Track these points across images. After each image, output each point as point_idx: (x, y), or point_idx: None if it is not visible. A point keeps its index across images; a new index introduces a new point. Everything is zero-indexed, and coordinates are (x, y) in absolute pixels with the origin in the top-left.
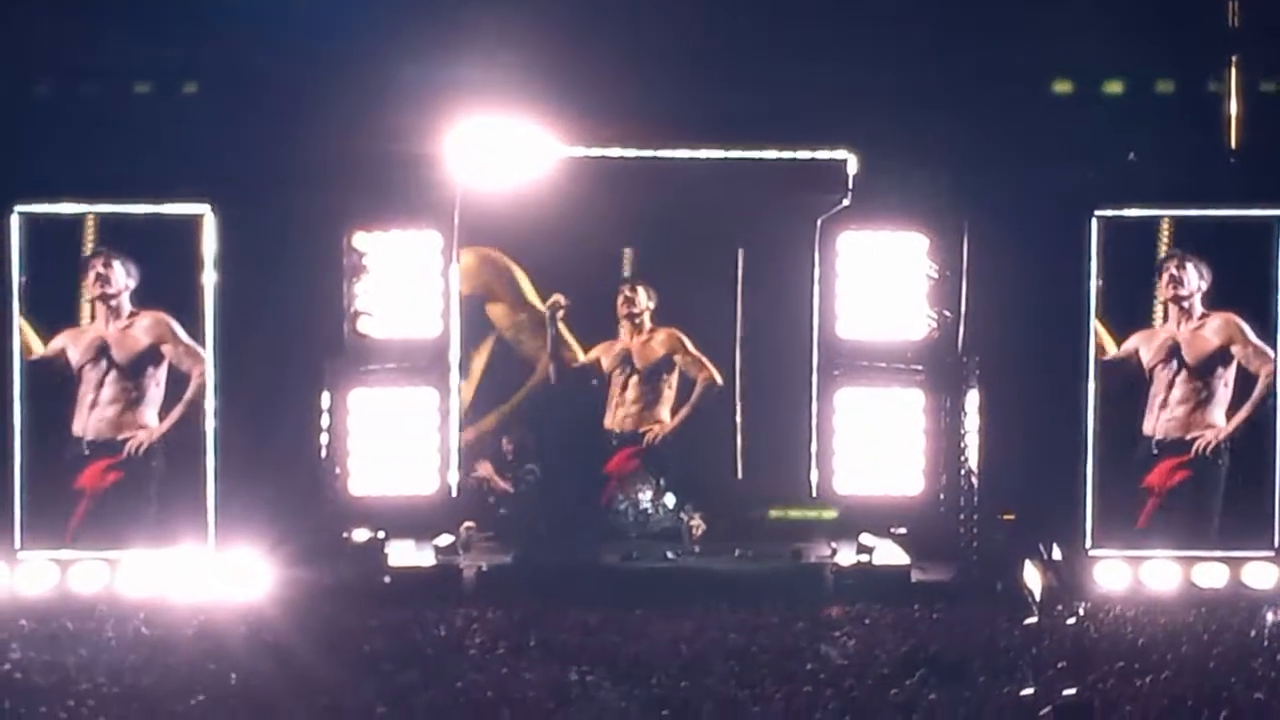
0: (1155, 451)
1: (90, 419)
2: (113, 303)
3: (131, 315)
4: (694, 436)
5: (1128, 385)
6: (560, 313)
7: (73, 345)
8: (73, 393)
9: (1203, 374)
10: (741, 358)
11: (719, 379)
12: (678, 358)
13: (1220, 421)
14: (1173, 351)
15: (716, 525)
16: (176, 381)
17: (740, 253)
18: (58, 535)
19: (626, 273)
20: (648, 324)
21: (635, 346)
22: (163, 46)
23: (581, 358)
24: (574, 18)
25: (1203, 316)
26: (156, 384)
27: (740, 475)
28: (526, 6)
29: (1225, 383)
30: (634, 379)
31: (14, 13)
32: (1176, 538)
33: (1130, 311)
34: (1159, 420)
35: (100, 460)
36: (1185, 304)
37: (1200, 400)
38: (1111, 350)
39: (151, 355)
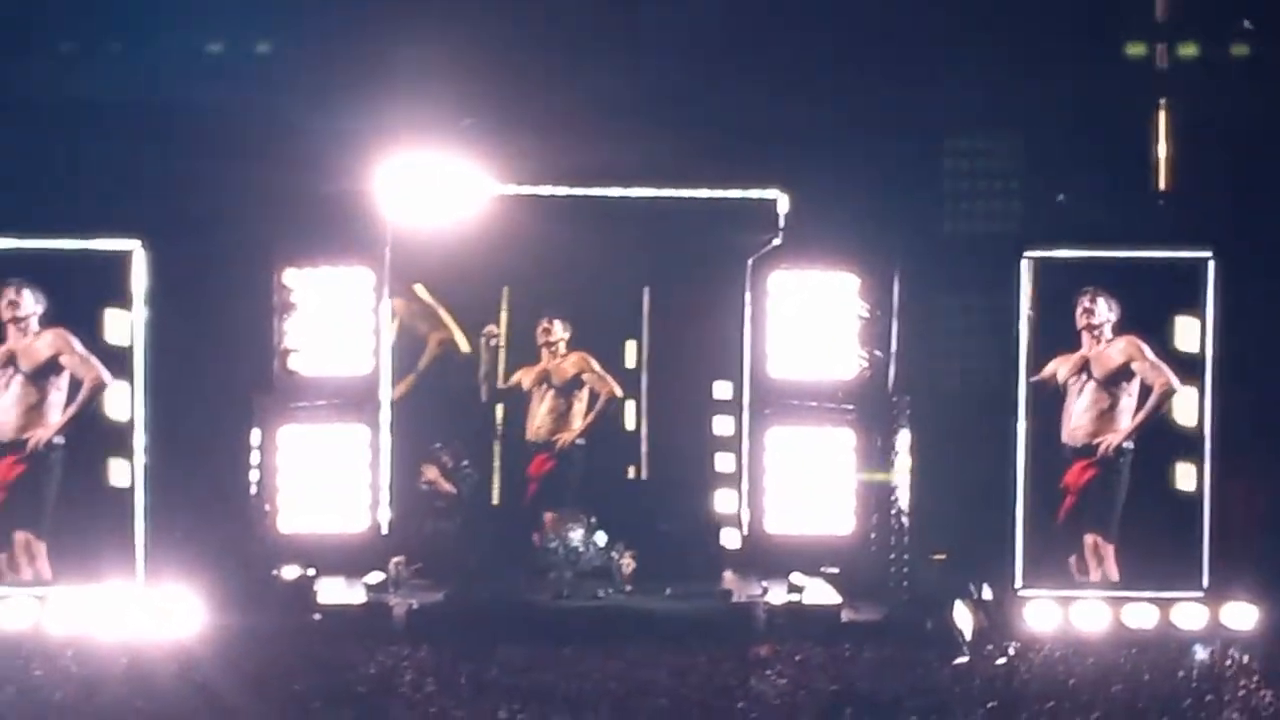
0: (1069, 456)
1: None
2: (21, 324)
3: (36, 334)
4: (600, 444)
5: (1053, 418)
6: (493, 341)
7: None
8: None
9: (1108, 387)
10: (647, 381)
11: (619, 392)
12: (585, 376)
13: (1124, 427)
14: (1084, 369)
15: (620, 521)
16: (76, 388)
17: (646, 290)
18: None
19: (548, 306)
20: (562, 350)
21: (551, 368)
22: (95, 83)
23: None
24: (505, 56)
25: (1110, 341)
26: (58, 390)
27: (644, 476)
28: (457, 44)
29: (1129, 394)
30: (549, 395)
31: None
32: (1090, 529)
33: (1060, 346)
34: (1072, 428)
35: (8, 456)
36: (1096, 332)
37: (1105, 410)
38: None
39: (52, 365)
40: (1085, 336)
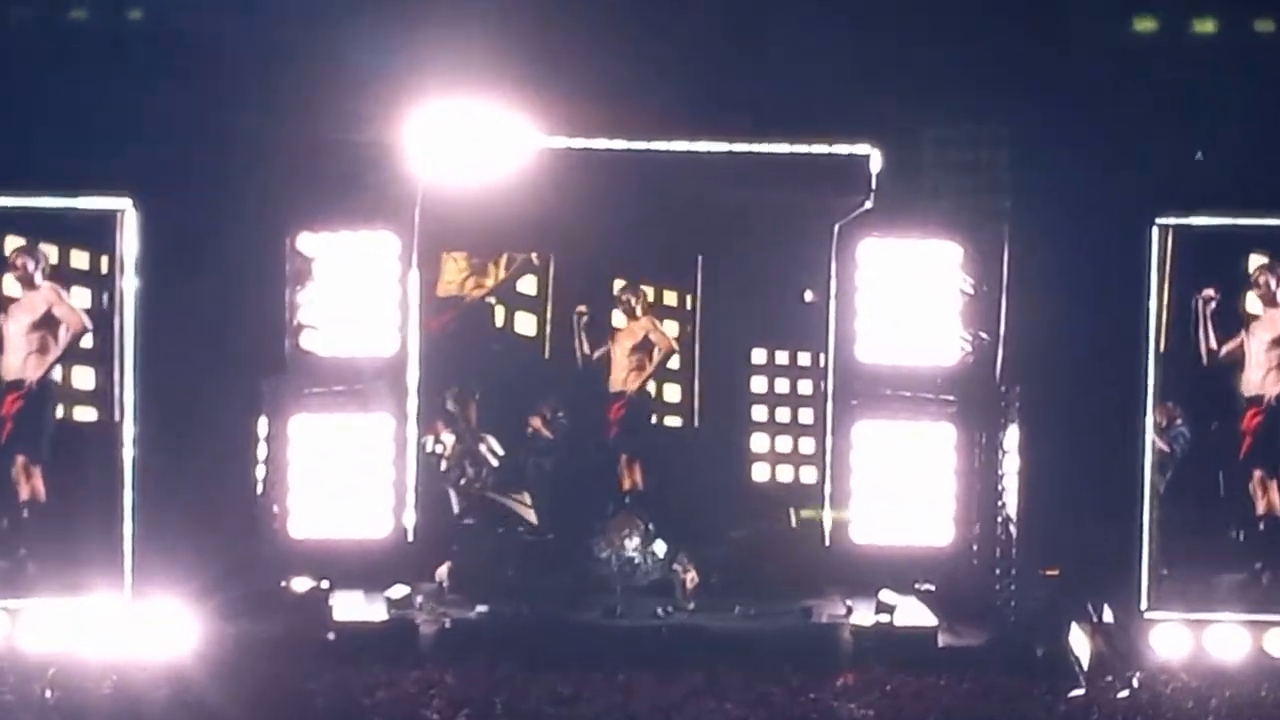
0: (1245, 405)
1: (6, 364)
2: (24, 280)
3: (36, 288)
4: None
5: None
6: (584, 319)
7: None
8: None
9: (1277, 346)
10: (700, 347)
11: (676, 348)
12: (653, 335)
13: None
14: (1259, 334)
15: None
16: (68, 334)
17: (700, 259)
18: None
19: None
20: (638, 314)
21: (626, 332)
22: (82, 13)
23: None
24: None
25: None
26: (53, 338)
27: (696, 424)
28: None
29: None
30: (626, 354)
31: None
32: (1259, 465)
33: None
34: (1247, 383)
35: (12, 393)
36: (1268, 299)
37: (1274, 366)
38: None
39: (48, 317)
40: (1261, 305)
